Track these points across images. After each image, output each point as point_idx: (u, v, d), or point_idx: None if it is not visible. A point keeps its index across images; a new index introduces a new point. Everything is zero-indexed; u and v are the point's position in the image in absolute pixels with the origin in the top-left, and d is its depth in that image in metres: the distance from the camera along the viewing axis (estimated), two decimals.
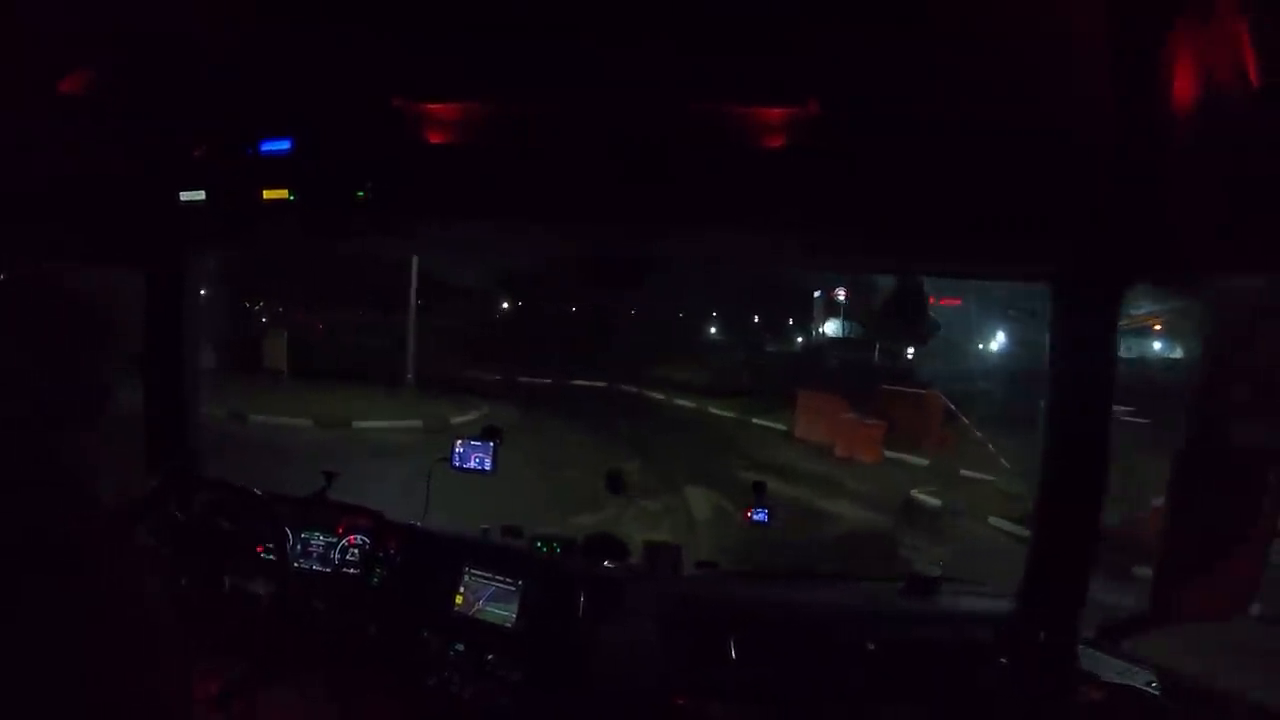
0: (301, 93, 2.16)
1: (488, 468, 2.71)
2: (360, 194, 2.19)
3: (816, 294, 31.60)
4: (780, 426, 17.11)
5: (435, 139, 2.12)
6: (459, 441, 2.76)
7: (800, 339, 34.38)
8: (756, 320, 36.06)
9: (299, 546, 2.67)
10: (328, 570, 2.65)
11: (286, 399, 16.18)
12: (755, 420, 18.12)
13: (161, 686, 1.11)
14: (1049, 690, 2.12)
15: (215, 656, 2.24)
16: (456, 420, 15.92)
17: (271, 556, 2.61)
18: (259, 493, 2.52)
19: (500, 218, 2.26)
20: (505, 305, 34.59)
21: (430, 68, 2.05)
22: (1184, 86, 1.70)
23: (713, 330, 36.19)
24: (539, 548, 2.59)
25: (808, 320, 33.80)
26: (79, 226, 2.27)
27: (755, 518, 2.66)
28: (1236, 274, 1.92)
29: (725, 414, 19.13)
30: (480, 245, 3.38)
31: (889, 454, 14.30)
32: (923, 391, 16.08)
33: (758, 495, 2.69)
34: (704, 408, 20.04)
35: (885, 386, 17.17)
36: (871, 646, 2.25)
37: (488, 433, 2.75)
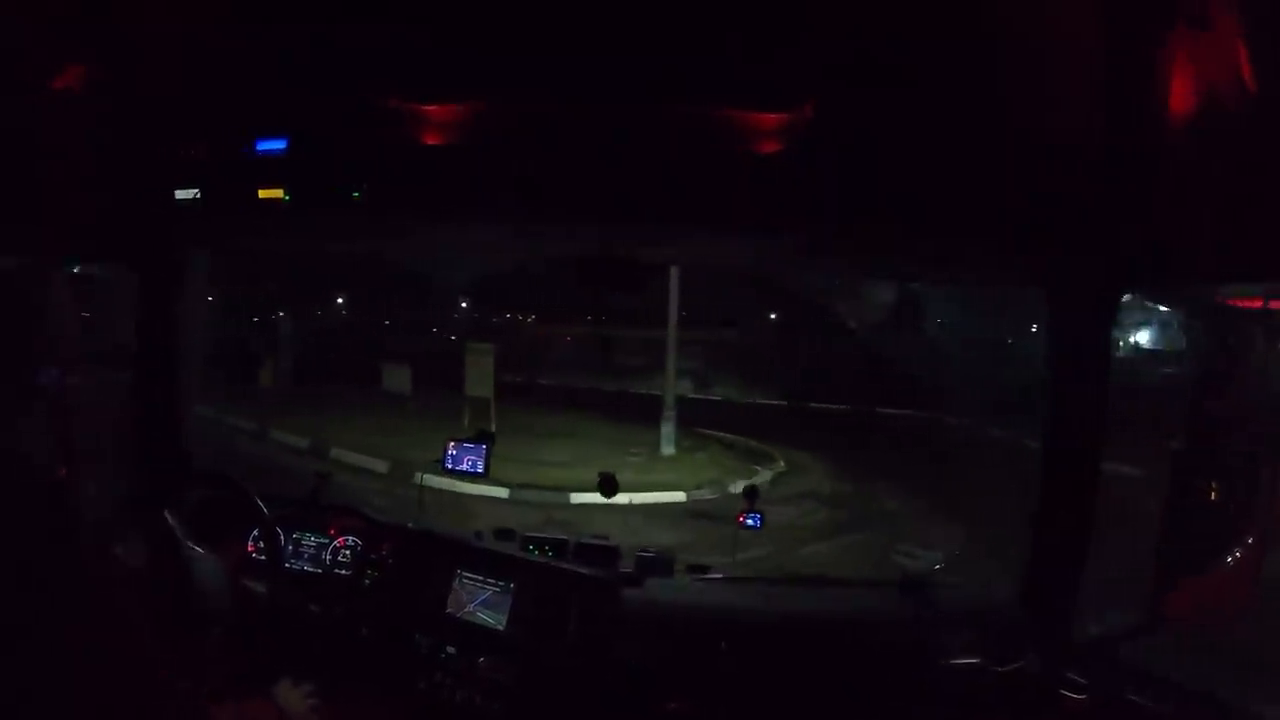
0: (297, 92, 2.16)
1: (480, 470, 2.70)
2: (355, 194, 2.18)
3: None
4: None
5: (431, 140, 2.12)
6: (451, 444, 2.75)
7: None
8: None
9: (290, 547, 2.67)
10: (319, 571, 2.64)
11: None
12: None
13: (147, 688, 1.11)
14: (1044, 694, 2.12)
15: (201, 657, 2.23)
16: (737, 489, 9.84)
17: (262, 557, 2.60)
18: (250, 492, 2.50)
19: (496, 219, 2.26)
20: None
21: (426, 68, 2.04)
22: (1180, 95, 1.70)
23: None
24: (530, 551, 2.59)
25: None
26: (73, 225, 2.26)
27: (748, 523, 2.66)
28: (1231, 282, 1.93)
29: None
30: (476, 247, 3.38)
31: None
32: None
33: (749, 500, 2.69)
34: None
35: None
36: (865, 650, 2.25)
37: (481, 435, 2.74)
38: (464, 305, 28.01)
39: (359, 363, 19.05)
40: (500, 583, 2.44)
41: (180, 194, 2.30)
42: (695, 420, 14.03)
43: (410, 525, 2.74)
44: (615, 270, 2.40)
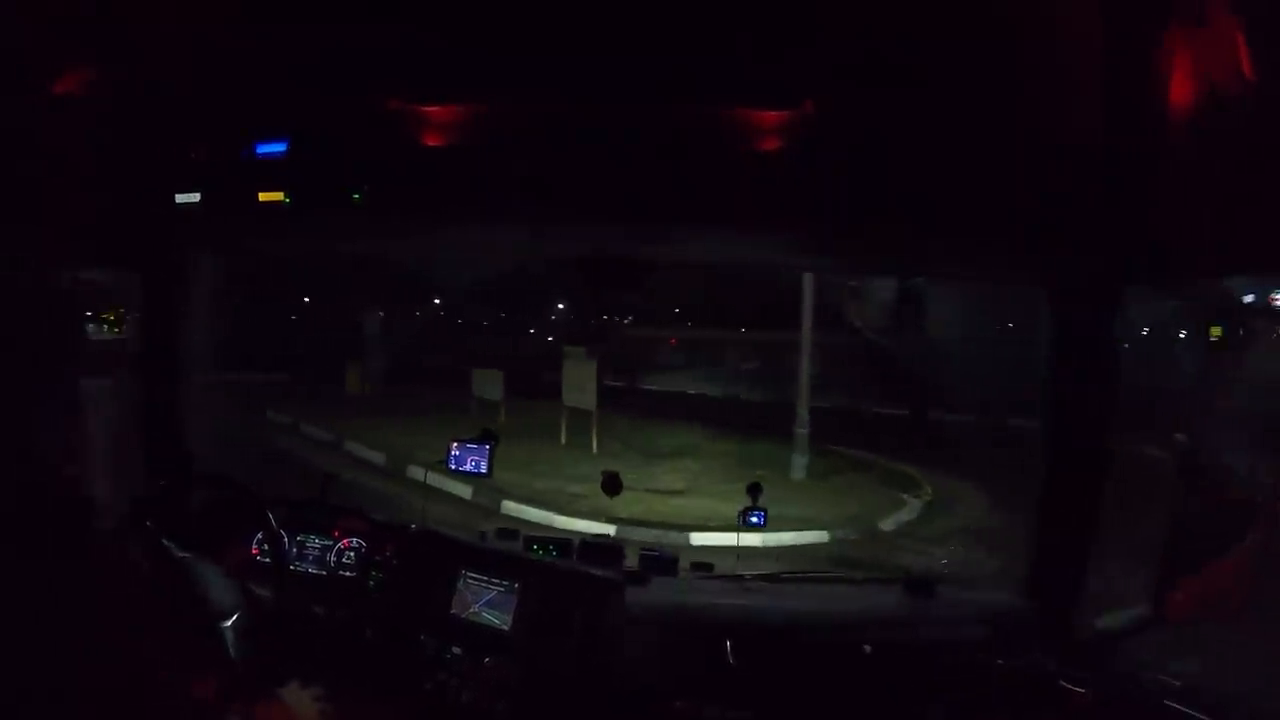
0: (297, 95, 2.16)
1: (484, 470, 2.70)
2: (356, 196, 2.19)
3: None
4: None
5: (431, 141, 2.12)
6: (455, 444, 2.75)
7: None
8: None
9: (295, 549, 2.67)
10: (324, 573, 2.64)
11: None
12: None
13: (157, 688, 1.11)
14: (1049, 691, 2.12)
15: (210, 659, 2.23)
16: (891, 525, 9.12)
17: (266, 559, 2.60)
18: (255, 494, 2.51)
19: (497, 220, 2.27)
20: None
21: (426, 70, 2.05)
22: (1179, 89, 1.71)
23: None
24: (534, 551, 2.59)
25: None
26: (74, 228, 2.26)
27: (752, 520, 2.66)
28: (1235, 279, 1.93)
29: None
30: (477, 248, 3.38)
31: None
32: None
33: (753, 496, 2.68)
34: None
35: None
36: (869, 648, 2.25)
37: (485, 435, 2.74)
38: (560, 307, 27.16)
39: (451, 365, 18.91)
40: (505, 583, 2.44)
41: (181, 197, 2.30)
42: (816, 432, 12.08)
43: (414, 526, 2.74)
44: (617, 270, 2.40)
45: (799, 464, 11.54)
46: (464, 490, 9.60)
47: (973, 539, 8.48)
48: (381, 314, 21.52)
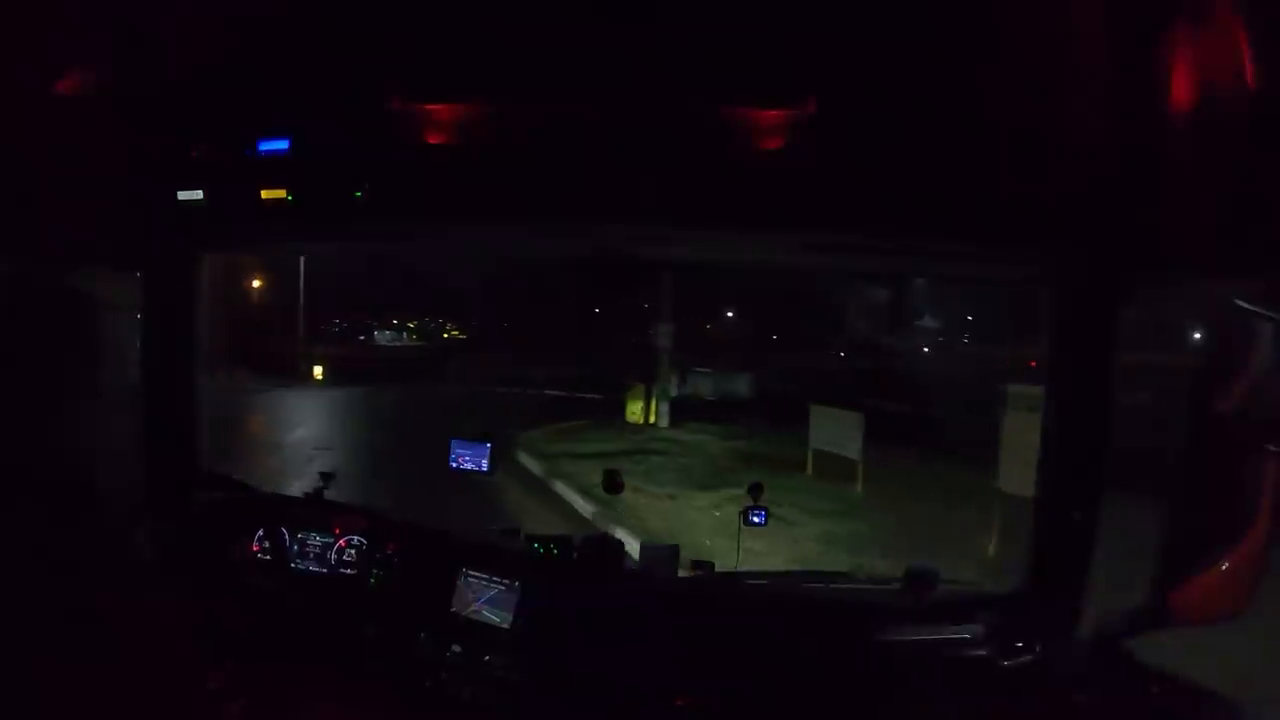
0: (299, 92, 2.17)
1: (484, 468, 2.70)
2: (358, 194, 2.19)
3: None
4: None
5: (433, 139, 2.12)
6: (454, 442, 2.75)
7: None
8: None
9: (296, 547, 2.67)
10: (324, 571, 2.65)
11: None
12: None
13: (167, 685, 1.12)
14: (1051, 688, 2.12)
15: (211, 657, 2.24)
16: None
17: (268, 557, 2.61)
18: (256, 492, 2.52)
19: (499, 219, 2.27)
20: None
21: (428, 68, 2.05)
22: (1181, 88, 1.70)
23: None
24: (535, 549, 2.59)
25: None
26: (76, 227, 2.26)
27: (753, 519, 2.66)
28: (1235, 276, 1.92)
29: None
30: (478, 247, 3.38)
31: None
32: None
33: (754, 495, 2.68)
34: None
35: None
36: (871, 644, 2.25)
37: (485, 435, 2.73)
38: (859, 322, 22.40)
39: (771, 394, 17.12)
40: (505, 581, 2.44)
41: (183, 195, 2.31)
42: None
43: (415, 524, 2.74)
44: (620, 268, 2.40)
45: None
46: None
47: None
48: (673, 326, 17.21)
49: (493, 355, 25.02)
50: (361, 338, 37.87)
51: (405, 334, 42.09)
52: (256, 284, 25.90)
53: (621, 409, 16.58)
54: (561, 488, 10.19)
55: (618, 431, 15.33)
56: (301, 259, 17.89)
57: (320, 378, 23.51)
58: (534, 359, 22.81)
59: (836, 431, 10.85)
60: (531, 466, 11.73)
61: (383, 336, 40.22)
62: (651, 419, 16.15)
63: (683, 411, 16.56)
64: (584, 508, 9.40)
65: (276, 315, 25.75)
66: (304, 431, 14.48)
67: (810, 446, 11.42)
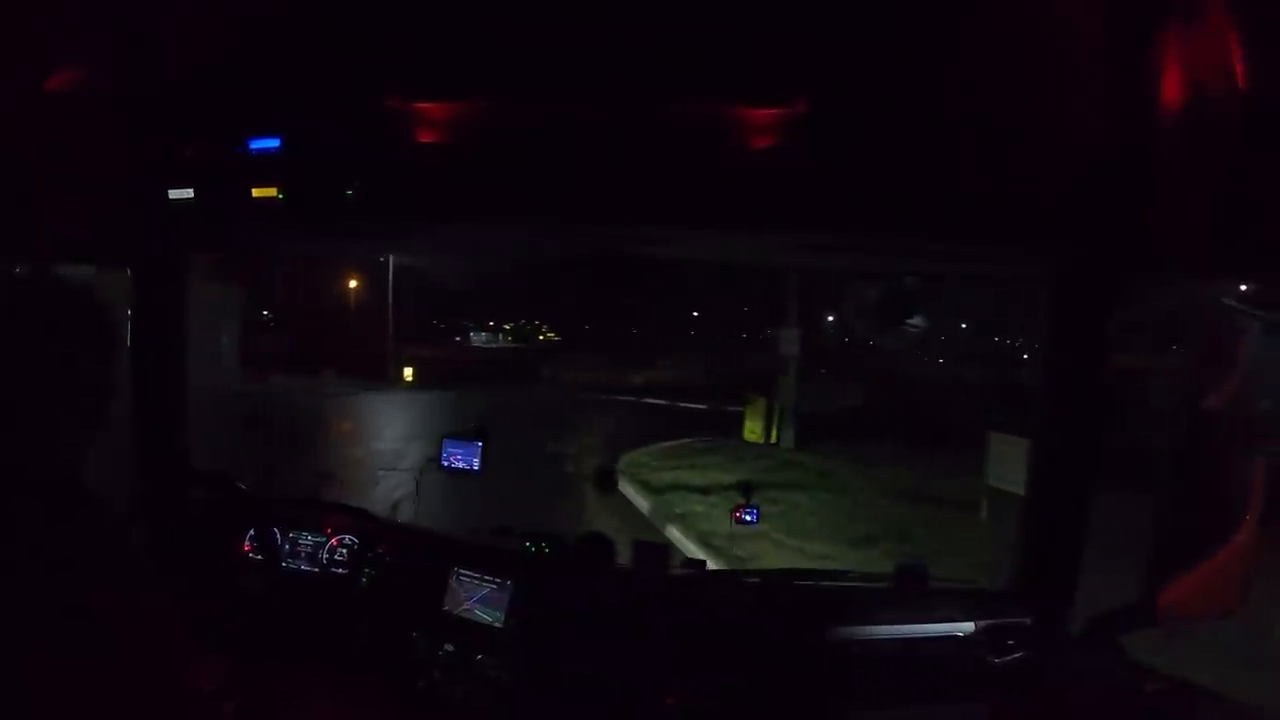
0: (291, 90, 2.16)
1: (475, 467, 2.69)
2: (349, 192, 2.18)
3: None
4: None
5: (425, 138, 2.12)
6: (446, 440, 2.74)
7: None
8: None
9: (287, 547, 2.67)
10: (316, 570, 2.64)
11: None
12: None
13: (161, 684, 1.11)
14: (1042, 685, 2.13)
15: (204, 657, 2.24)
16: None
17: (260, 556, 2.61)
18: (248, 491, 2.51)
19: (491, 218, 2.26)
20: None
21: (421, 66, 2.04)
22: (1173, 88, 1.71)
23: None
24: (528, 548, 2.59)
25: None
26: (67, 225, 2.25)
27: (744, 518, 2.66)
28: (1226, 277, 1.93)
29: None
30: (471, 246, 3.38)
31: None
32: None
33: (746, 494, 2.69)
34: None
35: None
36: (861, 642, 2.25)
37: (477, 432, 2.72)
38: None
39: (895, 408, 14.96)
40: (498, 580, 2.44)
41: (174, 193, 2.29)
42: None
43: (407, 523, 2.74)
44: (615, 268, 2.40)
45: None
46: None
47: None
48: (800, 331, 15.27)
49: (586, 357, 24.18)
50: (457, 339, 37.73)
51: (501, 336, 41.95)
52: (351, 284, 25.46)
53: (733, 423, 14.55)
54: (676, 535, 8.23)
55: (735, 454, 12.80)
56: (390, 258, 17.34)
57: (410, 379, 22.73)
58: (629, 361, 22.15)
59: (1014, 465, 8.07)
60: (638, 502, 9.64)
61: (478, 338, 40.15)
62: (773, 438, 13.86)
63: (807, 429, 14.01)
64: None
65: (368, 316, 25.40)
66: (378, 443, 13.24)
67: (988, 483, 8.81)
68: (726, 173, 2.03)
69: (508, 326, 43.13)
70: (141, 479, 2.65)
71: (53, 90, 2.05)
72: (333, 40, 1.99)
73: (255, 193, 2.23)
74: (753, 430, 14.04)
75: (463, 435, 2.73)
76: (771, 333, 15.14)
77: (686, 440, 13.41)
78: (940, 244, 2.20)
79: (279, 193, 2.23)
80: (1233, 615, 1.96)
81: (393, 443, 12.94)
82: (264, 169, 2.23)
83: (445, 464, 2.72)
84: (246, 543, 2.66)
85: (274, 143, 2.22)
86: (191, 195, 2.29)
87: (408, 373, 23.39)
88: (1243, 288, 1.88)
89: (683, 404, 17.63)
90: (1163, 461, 2.08)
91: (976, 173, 1.95)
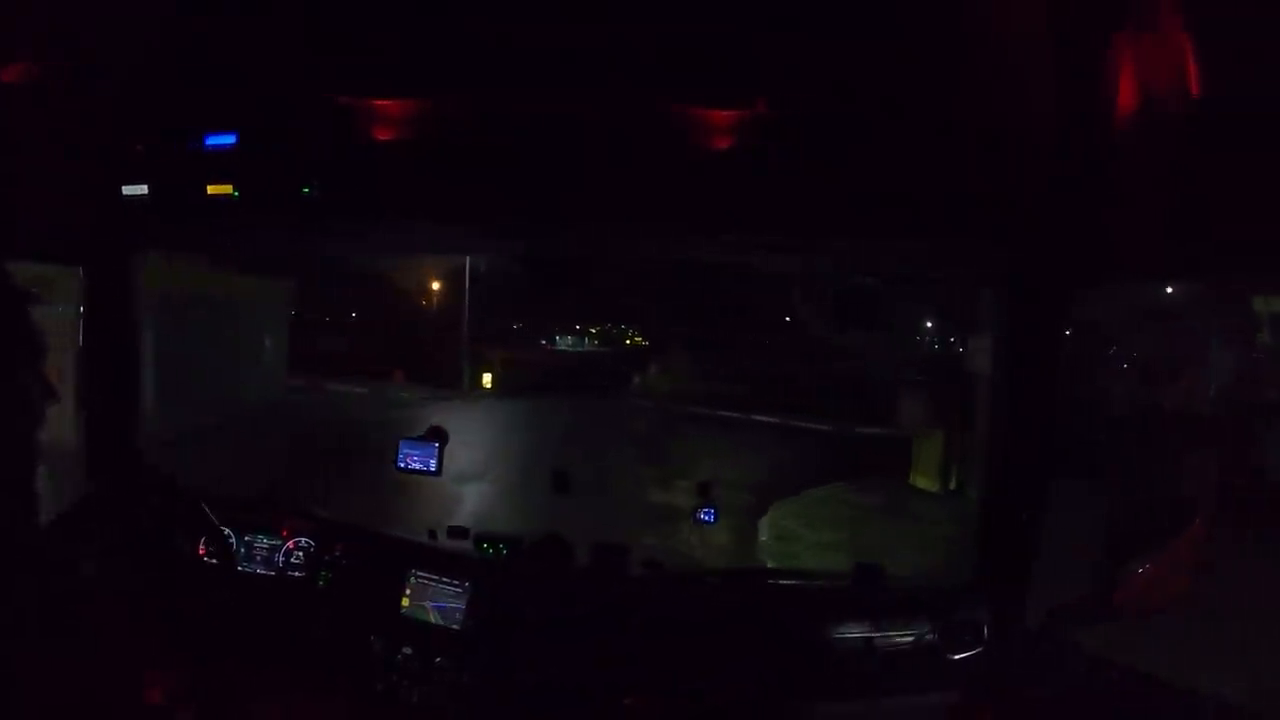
0: (246, 86, 2.13)
1: (432, 469, 2.66)
2: (306, 190, 2.16)
3: None
4: None
5: (383, 135, 2.10)
6: (402, 442, 2.70)
7: None
8: None
9: (243, 550, 2.62)
10: (272, 573, 2.60)
11: None
12: None
13: (108, 692, 1.09)
14: (1000, 681, 2.14)
15: (160, 662, 2.20)
16: None
17: (214, 560, 2.56)
18: (200, 495, 2.47)
19: (447, 217, 2.25)
20: None
21: (378, 64, 2.03)
22: (1126, 95, 1.73)
23: None
24: (484, 549, 2.57)
25: None
26: (17, 221, 2.20)
27: (702, 517, 2.66)
28: (1180, 278, 1.97)
29: None
30: (427, 245, 3.35)
31: None
32: None
33: (704, 495, 2.69)
34: None
35: None
36: (820, 640, 2.26)
37: (433, 433, 2.69)
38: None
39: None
40: (455, 582, 2.42)
41: (128, 190, 2.25)
42: None
43: (363, 526, 2.71)
44: (567, 268, 2.40)
45: None
46: None
47: None
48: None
49: (681, 364, 20.95)
50: (543, 342, 36.95)
51: (587, 339, 41.26)
52: (422, 279, 23.83)
53: (872, 452, 11.41)
54: None
55: (906, 510, 9.39)
56: (467, 259, 16.35)
57: (488, 386, 20.21)
58: (725, 370, 19.11)
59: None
60: None
61: (564, 342, 39.50)
62: (953, 484, 10.14)
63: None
64: None
65: (441, 315, 22.76)
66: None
67: None
68: (684, 173, 2.04)
69: (594, 330, 42.37)
70: (90, 482, 2.59)
71: (4, 83, 2.01)
72: (289, 37, 1.96)
73: (211, 190, 2.20)
74: (925, 474, 10.35)
75: (420, 437, 2.69)
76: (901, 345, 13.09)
77: (838, 485, 10.10)
78: (893, 244, 2.22)
79: (234, 190, 2.19)
80: (1180, 607, 1.99)
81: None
82: (220, 165, 2.19)
83: (401, 465, 2.68)
84: (200, 546, 2.61)
85: (230, 139, 2.19)
86: (146, 192, 2.25)
87: (486, 379, 20.74)
88: (1195, 288, 1.91)
89: (798, 422, 14.40)
90: (1116, 458, 2.11)
91: (933, 175, 1.96)
